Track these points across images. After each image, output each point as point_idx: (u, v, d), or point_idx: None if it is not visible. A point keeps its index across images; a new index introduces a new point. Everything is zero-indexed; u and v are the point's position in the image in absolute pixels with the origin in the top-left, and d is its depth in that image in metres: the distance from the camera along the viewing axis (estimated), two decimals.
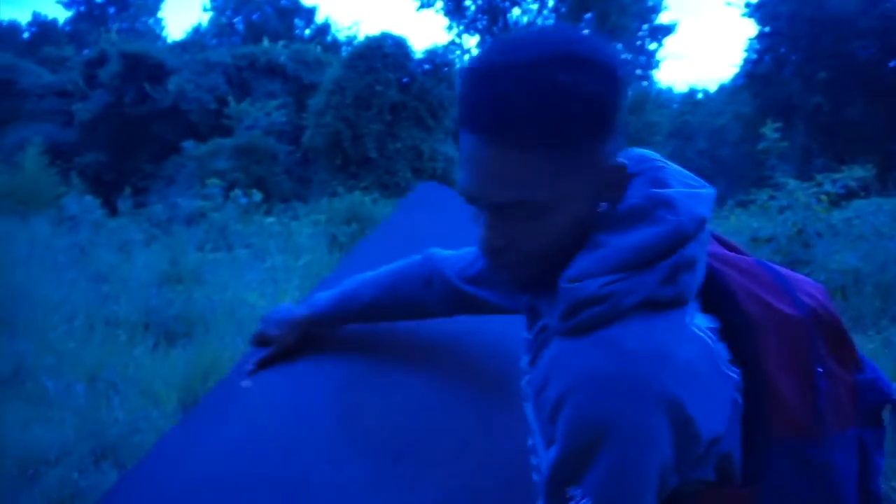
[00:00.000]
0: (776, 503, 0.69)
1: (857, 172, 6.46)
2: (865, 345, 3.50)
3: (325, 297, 1.11)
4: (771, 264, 0.77)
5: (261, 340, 1.13)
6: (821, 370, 0.72)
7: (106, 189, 12.46)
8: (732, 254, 0.77)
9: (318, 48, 19.23)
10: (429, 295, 1.02)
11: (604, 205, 0.66)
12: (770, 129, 6.55)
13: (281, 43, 18.72)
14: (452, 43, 22.44)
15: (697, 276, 0.67)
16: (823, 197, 5.49)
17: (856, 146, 15.37)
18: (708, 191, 0.70)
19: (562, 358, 0.63)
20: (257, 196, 9.26)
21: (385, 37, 13.82)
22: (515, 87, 0.58)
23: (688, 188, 0.68)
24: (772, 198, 5.87)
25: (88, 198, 9.39)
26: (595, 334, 0.61)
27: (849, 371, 0.74)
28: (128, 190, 10.94)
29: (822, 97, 17.42)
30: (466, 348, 1.12)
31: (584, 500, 0.59)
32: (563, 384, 0.61)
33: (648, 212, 0.65)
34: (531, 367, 0.73)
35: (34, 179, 11.02)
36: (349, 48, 18.20)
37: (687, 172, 0.73)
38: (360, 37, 28.41)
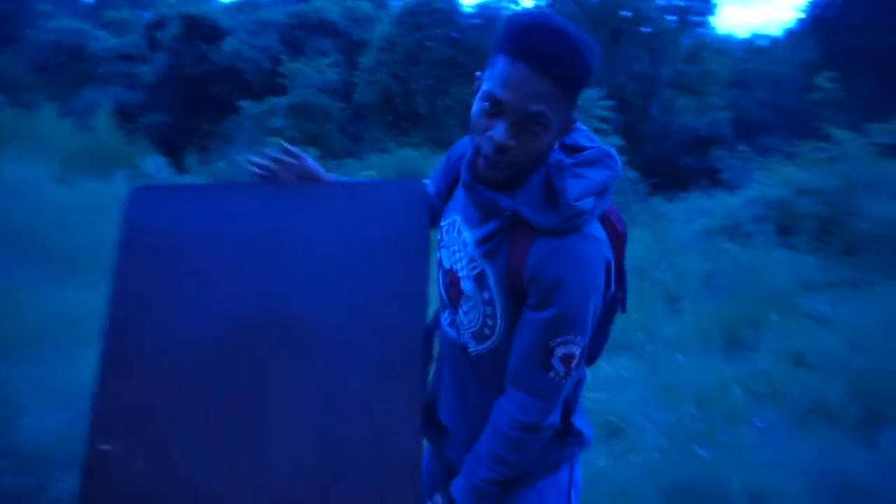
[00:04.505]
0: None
1: None
2: None
3: None
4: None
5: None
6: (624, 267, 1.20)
7: (170, 148, 13.09)
8: None
9: (368, 4, 19.26)
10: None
11: (558, 141, 1.04)
12: (824, 79, 6.43)
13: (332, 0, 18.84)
14: None
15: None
16: (873, 148, 5.44)
17: None
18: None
19: (562, 250, 1.01)
20: (313, 153, 9.64)
21: None
22: (572, 50, 0.94)
23: (599, 142, 1.12)
24: (819, 149, 5.83)
25: (160, 157, 9.96)
26: (581, 233, 1.02)
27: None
28: (193, 149, 11.47)
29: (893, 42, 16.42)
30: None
31: (578, 338, 1.03)
32: (562, 267, 1.00)
33: (603, 159, 1.08)
34: (485, 244, 1.07)
35: (106, 140, 11.70)
36: (399, 3, 18.20)
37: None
38: None
